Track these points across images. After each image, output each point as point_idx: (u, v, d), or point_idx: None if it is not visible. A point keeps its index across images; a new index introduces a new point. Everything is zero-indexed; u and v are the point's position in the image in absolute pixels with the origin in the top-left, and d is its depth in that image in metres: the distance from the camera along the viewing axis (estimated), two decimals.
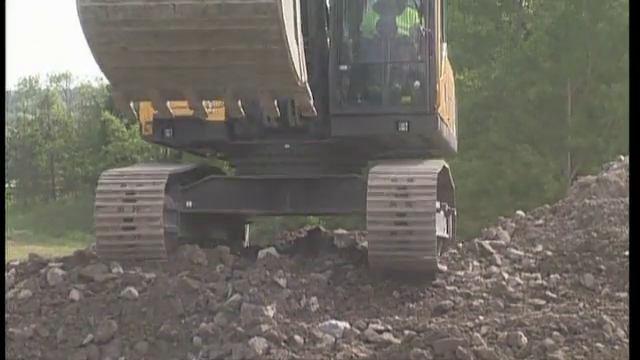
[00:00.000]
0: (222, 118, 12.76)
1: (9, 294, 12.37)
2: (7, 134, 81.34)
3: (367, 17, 13.43)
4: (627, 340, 9.61)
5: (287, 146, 13.18)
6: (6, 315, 11.74)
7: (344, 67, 12.99)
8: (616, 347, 9.46)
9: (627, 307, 10.58)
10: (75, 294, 12.03)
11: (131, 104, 11.11)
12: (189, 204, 13.06)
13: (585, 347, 9.42)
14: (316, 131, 13.17)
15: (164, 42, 9.66)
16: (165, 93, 10.57)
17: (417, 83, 13.09)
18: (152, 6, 9.35)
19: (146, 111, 12.77)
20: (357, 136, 13.35)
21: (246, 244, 15.14)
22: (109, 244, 12.55)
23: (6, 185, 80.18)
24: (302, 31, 11.41)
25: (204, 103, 12.28)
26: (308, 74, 11.30)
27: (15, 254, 15.52)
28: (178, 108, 12.26)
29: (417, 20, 13.26)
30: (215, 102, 12.38)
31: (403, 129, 13.02)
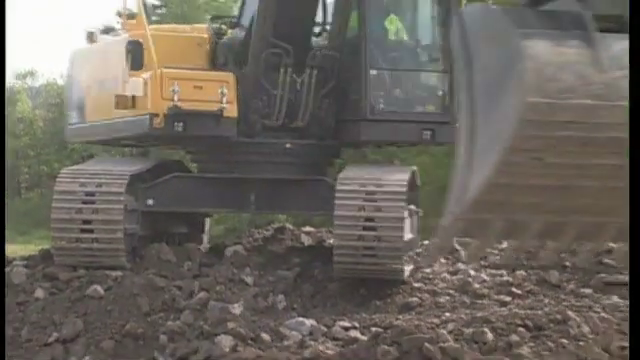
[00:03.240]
0: (235, 115, 12.73)
1: None
2: None
3: (390, 24, 13.45)
4: (592, 336, 9.69)
5: (288, 145, 13.21)
6: None
7: (374, 72, 13.05)
8: (581, 343, 9.52)
9: (592, 303, 10.69)
10: (40, 293, 11.98)
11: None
12: (150, 202, 12.96)
13: (550, 343, 9.49)
14: (319, 132, 13.28)
15: (589, 153, 7.12)
16: (514, 227, 7.67)
17: (440, 92, 13.28)
18: (604, 106, 6.98)
19: (155, 103, 12.52)
20: (384, 141, 13.59)
21: (206, 237, 15.10)
22: (66, 246, 12.39)
23: None
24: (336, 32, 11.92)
25: (219, 96, 12.46)
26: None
27: None
28: (190, 102, 12.34)
29: (438, 29, 13.43)
30: (229, 97, 12.57)
31: (426, 137, 13.27)
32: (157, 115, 12.44)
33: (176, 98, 12.35)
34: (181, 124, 12.50)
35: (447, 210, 7.37)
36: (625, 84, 6.65)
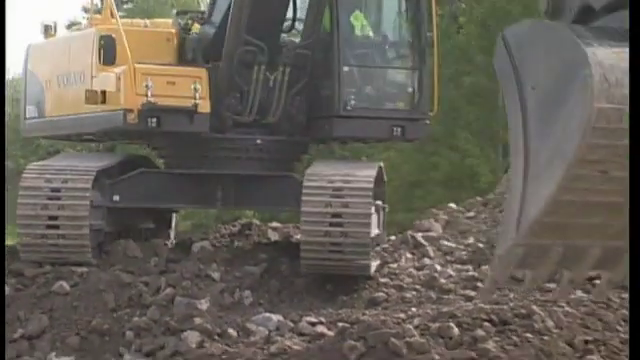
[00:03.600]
0: (208, 110, 12.72)
1: None
2: None
3: (355, 20, 13.48)
4: (556, 330, 9.75)
5: (259, 141, 13.22)
6: None
7: (346, 69, 13.11)
8: (545, 337, 9.58)
9: (556, 298, 10.73)
10: (6, 289, 11.90)
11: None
12: (116, 198, 12.89)
13: (515, 337, 9.54)
14: (290, 129, 13.31)
15: None
16: (573, 254, 7.13)
17: (410, 89, 13.37)
18: None
19: (129, 98, 12.45)
20: (355, 137, 13.64)
21: (172, 232, 15.07)
22: (32, 242, 12.35)
23: None
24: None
25: (192, 92, 12.43)
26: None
27: None
28: (164, 97, 12.33)
29: (408, 28, 13.54)
30: (202, 93, 12.55)
31: (397, 134, 13.33)
32: (131, 111, 12.40)
33: (149, 94, 12.31)
34: (155, 120, 12.46)
35: (501, 240, 7.05)
36: None
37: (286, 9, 13.25)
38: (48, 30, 14.47)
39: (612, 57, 5.97)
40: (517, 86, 6.64)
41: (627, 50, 5.98)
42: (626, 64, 5.88)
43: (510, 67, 6.73)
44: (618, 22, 6.19)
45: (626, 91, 5.85)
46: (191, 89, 12.54)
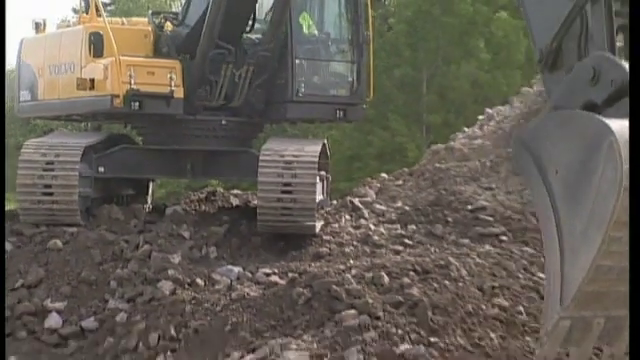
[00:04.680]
0: (182, 96, 12.72)
1: None
2: None
3: (303, 20, 13.48)
4: (468, 278, 9.84)
5: (224, 122, 13.21)
6: None
7: (297, 62, 13.12)
8: (460, 284, 9.66)
9: (469, 251, 10.86)
10: (8, 246, 11.82)
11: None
12: (101, 169, 12.83)
13: (435, 284, 9.62)
14: (250, 113, 13.33)
15: None
16: (613, 326, 6.29)
17: (350, 79, 13.49)
18: None
19: (116, 85, 12.37)
20: (305, 119, 13.70)
21: (150, 198, 15.03)
22: (30, 207, 12.25)
23: None
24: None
25: (169, 81, 12.43)
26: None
27: None
28: (145, 85, 12.31)
29: (348, 27, 13.57)
30: (177, 81, 12.58)
31: (339, 116, 13.47)
32: (117, 96, 12.35)
33: (133, 82, 12.29)
34: (137, 104, 12.41)
35: (547, 318, 6.22)
36: None
37: (251, 14, 13.25)
38: (39, 27, 14.36)
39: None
40: (540, 174, 6.09)
41: None
42: None
43: (530, 160, 6.18)
44: (622, 112, 5.63)
45: None
46: (167, 78, 12.54)
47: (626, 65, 5.67)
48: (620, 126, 5.29)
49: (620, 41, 6.06)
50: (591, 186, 5.48)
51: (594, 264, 5.47)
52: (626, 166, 5.26)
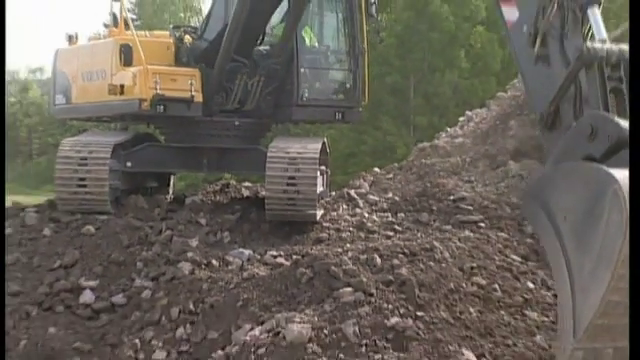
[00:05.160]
0: (201, 100, 12.70)
1: None
2: None
3: (305, 33, 13.45)
4: (450, 259, 9.82)
5: (237, 123, 13.20)
6: None
7: (302, 70, 13.14)
8: (443, 265, 9.63)
9: (451, 236, 10.82)
10: (47, 231, 11.82)
11: None
12: (129, 164, 12.84)
13: (421, 265, 9.59)
14: (260, 115, 13.33)
15: None
16: (619, 357, 6.02)
17: (348, 85, 13.48)
18: None
19: (143, 91, 12.36)
20: (308, 120, 13.75)
21: (171, 190, 15.02)
22: (66, 198, 12.24)
23: None
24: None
25: (189, 87, 12.40)
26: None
27: None
28: (168, 90, 12.28)
29: (345, 40, 13.55)
30: (196, 87, 12.56)
31: (338, 117, 13.50)
32: (145, 100, 12.35)
33: (158, 87, 12.28)
34: (162, 107, 12.42)
35: (561, 351, 5.96)
36: None
37: (262, 33, 13.28)
38: (71, 39, 14.36)
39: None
40: (549, 220, 5.88)
41: None
42: None
43: (539, 208, 5.98)
44: (620, 163, 5.44)
45: None
46: (188, 84, 12.55)
47: (621, 122, 5.58)
48: (622, 175, 5.16)
49: (612, 101, 5.97)
50: (598, 230, 5.33)
51: (604, 300, 5.33)
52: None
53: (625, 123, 5.56)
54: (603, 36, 6.07)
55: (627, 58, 5.90)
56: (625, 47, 5.96)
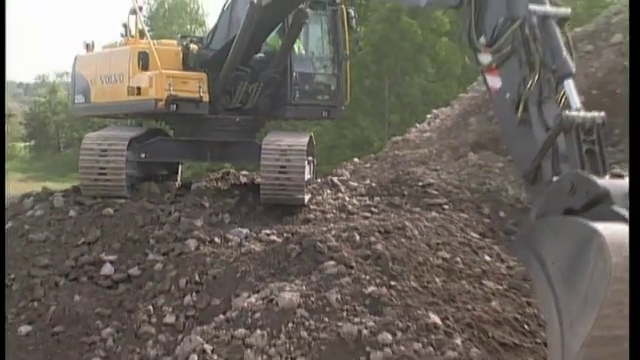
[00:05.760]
0: (208, 100, 12.63)
1: (29, 213, 11.96)
2: (27, 111, 78.33)
3: (296, 44, 13.35)
4: (419, 236, 9.80)
5: (238, 119, 13.12)
6: (26, 227, 11.34)
7: (294, 73, 13.05)
8: (413, 241, 9.63)
9: (420, 217, 10.80)
10: (72, 213, 11.72)
11: None
12: (143, 155, 12.75)
13: (394, 241, 9.60)
14: (257, 113, 13.20)
15: None
16: None
17: (333, 87, 13.41)
18: None
19: (159, 92, 12.23)
20: (299, 118, 13.70)
21: (179, 177, 14.95)
22: (89, 184, 12.15)
23: (26, 144, 77.43)
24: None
25: (198, 89, 12.29)
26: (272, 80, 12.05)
27: (33, 188, 15.03)
28: (180, 91, 12.16)
29: (330, 48, 13.47)
30: (204, 89, 12.44)
31: (325, 115, 13.47)
32: (160, 100, 12.26)
33: (171, 89, 12.20)
34: (174, 106, 12.34)
35: None
36: None
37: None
38: (88, 47, 14.23)
39: (615, 225, 5.22)
40: (539, 265, 5.74)
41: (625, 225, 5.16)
42: (626, 227, 5.12)
43: (530, 254, 5.83)
44: (598, 216, 5.39)
45: (627, 247, 5.03)
46: (197, 86, 12.49)
47: (597, 180, 5.59)
48: (604, 227, 5.14)
49: (587, 161, 5.92)
50: (584, 276, 5.28)
51: (590, 334, 5.26)
52: (614, 259, 5.00)
53: (600, 181, 5.60)
54: (578, 105, 6.11)
55: (599, 123, 5.93)
56: (598, 114, 5.95)
